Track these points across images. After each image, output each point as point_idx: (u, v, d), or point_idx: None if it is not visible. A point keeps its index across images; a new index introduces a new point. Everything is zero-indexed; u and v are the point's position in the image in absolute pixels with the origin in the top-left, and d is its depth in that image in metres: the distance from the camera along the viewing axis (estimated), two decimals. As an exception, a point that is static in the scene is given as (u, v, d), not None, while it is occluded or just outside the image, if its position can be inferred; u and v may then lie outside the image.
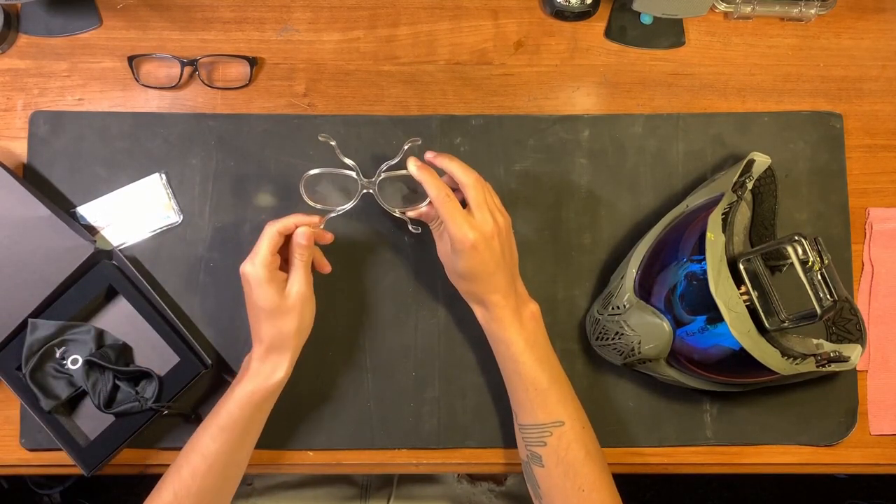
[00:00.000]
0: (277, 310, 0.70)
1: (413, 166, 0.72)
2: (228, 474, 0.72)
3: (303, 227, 0.71)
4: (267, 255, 0.69)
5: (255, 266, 0.69)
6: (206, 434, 0.70)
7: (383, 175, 0.75)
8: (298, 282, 0.71)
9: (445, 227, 0.70)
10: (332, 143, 0.74)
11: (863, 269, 0.84)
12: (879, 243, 0.84)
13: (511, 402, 0.75)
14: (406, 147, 0.74)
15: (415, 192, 0.77)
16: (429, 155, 0.74)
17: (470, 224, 0.69)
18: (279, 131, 0.83)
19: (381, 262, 0.82)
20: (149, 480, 0.75)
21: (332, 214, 0.75)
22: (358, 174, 0.75)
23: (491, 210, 0.71)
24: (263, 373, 0.71)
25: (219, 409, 0.71)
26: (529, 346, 0.72)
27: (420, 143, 0.74)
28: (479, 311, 0.75)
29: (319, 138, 0.75)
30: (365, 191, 0.75)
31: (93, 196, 0.81)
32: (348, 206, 0.75)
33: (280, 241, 0.70)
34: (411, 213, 0.75)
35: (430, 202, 0.73)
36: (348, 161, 0.75)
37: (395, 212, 0.76)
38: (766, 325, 0.69)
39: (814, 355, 0.70)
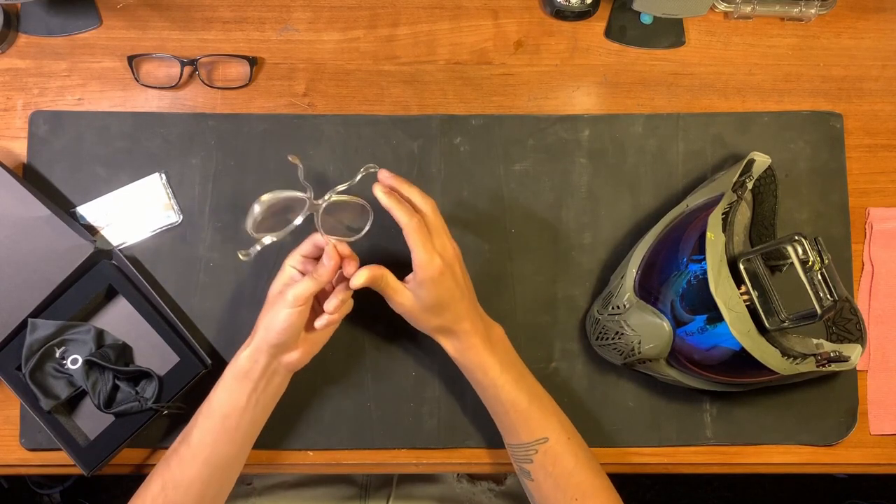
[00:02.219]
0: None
1: (381, 193, 0.67)
2: (229, 471, 0.72)
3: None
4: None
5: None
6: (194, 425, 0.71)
7: (333, 197, 0.70)
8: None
9: (412, 255, 0.67)
10: (299, 164, 0.70)
11: (863, 268, 0.84)
12: (879, 243, 0.84)
13: (496, 423, 0.76)
14: (362, 172, 0.70)
15: (354, 224, 0.73)
16: (383, 174, 0.69)
17: (436, 251, 0.68)
18: (279, 131, 0.83)
19: (380, 262, 0.82)
20: (149, 480, 0.74)
21: (268, 241, 0.68)
22: (309, 196, 0.70)
23: (448, 237, 0.70)
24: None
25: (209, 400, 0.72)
26: (505, 369, 0.72)
27: (376, 170, 0.70)
28: (449, 345, 0.73)
29: (288, 158, 0.70)
30: (310, 213, 0.69)
31: (93, 196, 0.81)
32: (290, 228, 0.69)
33: None
34: (343, 249, 0.70)
35: (367, 232, 0.72)
36: (305, 183, 0.70)
37: (331, 240, 0.70)
38: (766, 325, 0.69)
39: (814, 355, 0.70)
